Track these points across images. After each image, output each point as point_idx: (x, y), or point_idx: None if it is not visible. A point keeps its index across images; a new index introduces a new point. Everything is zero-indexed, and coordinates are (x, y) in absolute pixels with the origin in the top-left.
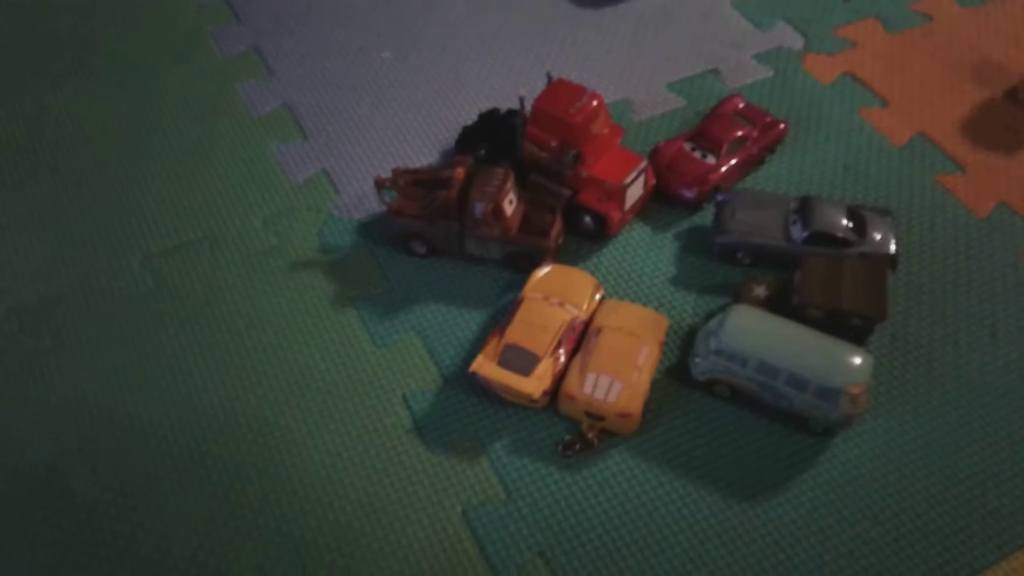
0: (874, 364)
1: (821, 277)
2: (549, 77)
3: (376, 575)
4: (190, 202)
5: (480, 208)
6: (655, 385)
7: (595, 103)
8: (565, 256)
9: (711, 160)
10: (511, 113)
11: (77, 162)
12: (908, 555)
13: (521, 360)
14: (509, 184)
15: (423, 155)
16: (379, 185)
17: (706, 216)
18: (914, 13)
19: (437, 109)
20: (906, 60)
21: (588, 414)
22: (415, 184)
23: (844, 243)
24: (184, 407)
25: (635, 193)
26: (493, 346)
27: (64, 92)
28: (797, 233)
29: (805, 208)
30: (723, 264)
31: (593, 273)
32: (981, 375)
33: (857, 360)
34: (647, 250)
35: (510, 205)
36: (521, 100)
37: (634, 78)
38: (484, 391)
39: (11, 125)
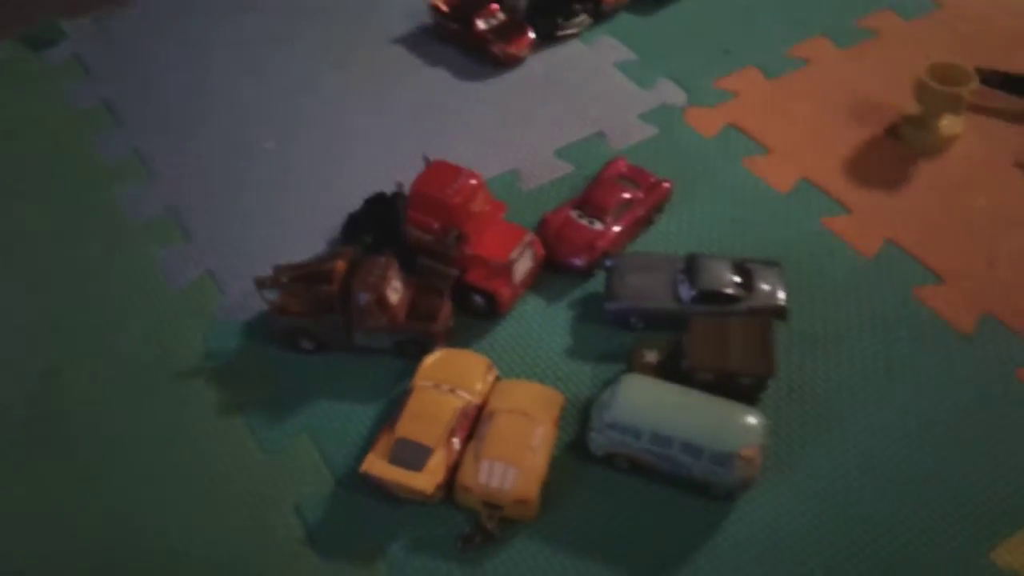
0: (768, 423)
1: (708, 338)
2: (426, 159)
3: None
4: (68, 318)
5: (363, 299)
6: (554, 464)
7: (473, 182)
8: (458, 338)
9: (598, 226)
10: (396, 196)
11: None
12: None
13: (413, 454)
14: (391, 272)
15: (310, 246)
16: (260, 285)
17: (598, 282)
18: (791, 58)
19: (323, 197)
20: (786, 106)
21: (486, 504)
22: (297, 280)
23: (733, 299)
24: (58, 538)
25: (524, 267)
26: (383, 442)
27: None
28: (686, 293)
29: (692, 267)
30: (617, 330)
31: (488, 352)
32: (879, 417)
33: (750, 421)
34: (541, 323)
35: (395, 293)
36: (399, 186)
37: (522, 147)
38: (379, 490)
39: None
